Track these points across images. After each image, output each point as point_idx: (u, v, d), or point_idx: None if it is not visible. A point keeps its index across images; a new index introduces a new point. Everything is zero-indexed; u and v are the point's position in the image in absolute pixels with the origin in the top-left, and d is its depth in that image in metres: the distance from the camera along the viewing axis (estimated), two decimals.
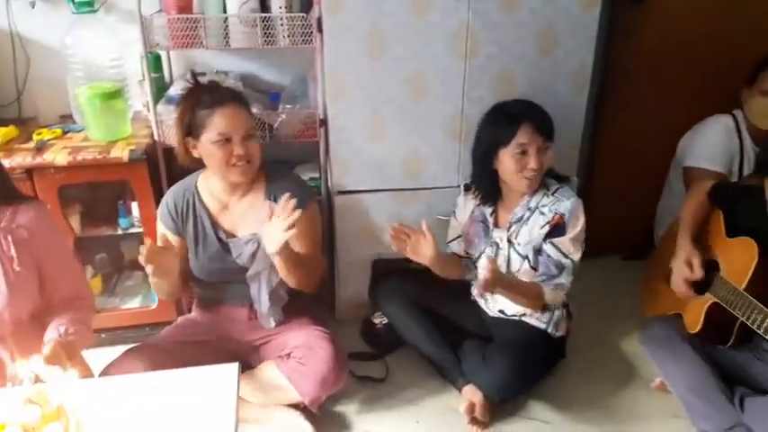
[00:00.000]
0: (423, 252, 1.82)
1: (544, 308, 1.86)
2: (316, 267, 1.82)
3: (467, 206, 1.99)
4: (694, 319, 1.78)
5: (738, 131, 2.28)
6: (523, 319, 1.93)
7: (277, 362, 1.80)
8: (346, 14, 1.88)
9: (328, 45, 1.92)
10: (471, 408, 1.83)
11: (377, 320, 2.16)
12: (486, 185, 1.89)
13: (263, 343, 1.90)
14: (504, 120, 1.78)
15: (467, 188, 1.99)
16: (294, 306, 1.88)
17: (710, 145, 2.27)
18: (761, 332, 1.55)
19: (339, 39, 1.91)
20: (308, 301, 1.90)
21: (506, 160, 1.78)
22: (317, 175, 2.19)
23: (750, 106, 2.23)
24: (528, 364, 1.84)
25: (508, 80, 2.02)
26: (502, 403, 1.86)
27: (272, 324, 1.85)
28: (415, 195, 2.15)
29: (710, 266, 1.82)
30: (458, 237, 2.03)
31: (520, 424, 1.87)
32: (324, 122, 2.04)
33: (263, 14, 1.91)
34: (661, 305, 1.99)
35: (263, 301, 1.81)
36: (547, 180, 1.86)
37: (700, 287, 1.80)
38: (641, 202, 2.59)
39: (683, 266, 1.79)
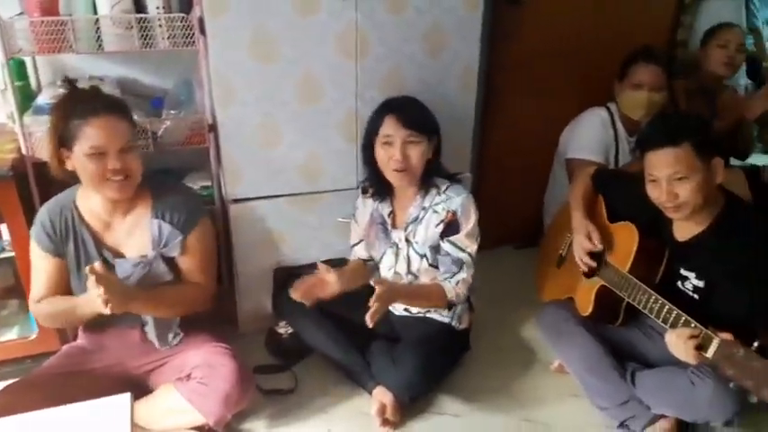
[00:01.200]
0: (329, 291, 1.82)
1: (450, 305, 1.90)
2: (192, 294, 1.74)
3: (366, 208, 1.99)
4: (585, 302, 1.89)
5: (613, 123, 2.45)
6: (428, 315, 1.95)
7: (176, 384, 1.70)
8: (230, 15, 1.80)
9: (213, 47, 1.83)
10: (382, 409, 1.83)
11: (282, 330, 2.10)
12: (374, 180, 1.92)
13: (160, 365, 1.79)
14: (377, 111, 1.84)
15: (364, 190, 1.99)
16: (191, 323, 1.78)
17: (588, 137, 2.41)
18: (645, 311, 1.67)
19: (224, 40, 1.83)
20: (206, 316, 1.81)
21: (378, 151, 1.84)
22: (208, 183, 2.09)
23: (622, 99, 2.40)
24: (435, 361, 1.87)
25: (398, 81, 2.04)
26: (412, 402, 1.88)
27: (168, 344, 1.75)
28: (314, 199, 2.11)
29: (597, 252, 1.93)
30: (360, 240, 2.02)
31: (431, 420, 1.89)
32: (213, 128, 1.95)
33: (139, 15, 1.79)
34: (554, 290, 2.09)
35: (151, 323, 1.70)
36: (437, 180, 1.89)
37: (590, 272, 1.91)
38: (530, 193, 2.72)
39: (584, 240, 1.87)
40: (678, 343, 1.50)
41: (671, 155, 1.60)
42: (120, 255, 1.69)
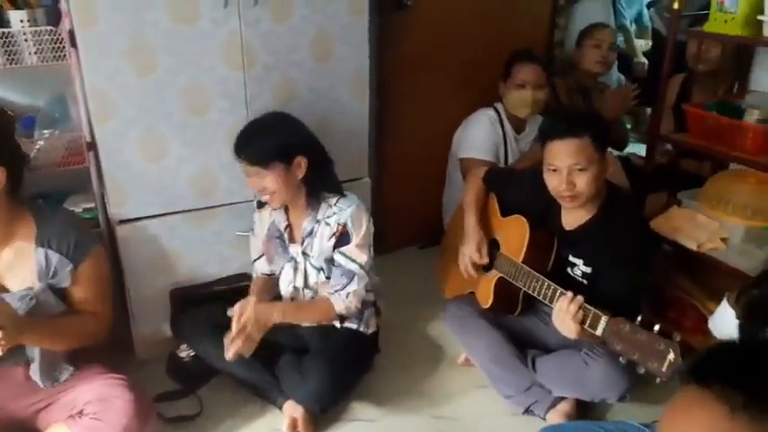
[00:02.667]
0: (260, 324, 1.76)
1: (341, 318, 1.89)
2: (89, 325, 1.64)
3: (263, 222, 1.95)
4: (485, 296, 1.94)
5: (501, 122, 2.55)
6: (335, 323, 1.94)
7: (68, 423, 1.57)
8: (103, 26, 1.71)
9: (86, 60, 1.73)
10: (293, 424, 1.79)
11: (183, 354, 2.00)
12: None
13: (49, 404, 1.64)
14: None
15: (259, 204, 1.94)
16: (82, 356, 1.66)
17: (478, 137, 2.50)
18: (540, 298, 1.74)
19: (98, 53, 1.73)
20: (99, 346, 1.69)
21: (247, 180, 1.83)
22: (91, 204, 1.96)
23: (507, 98, 2.51)
24: (344, 369, 1.85)
25: (289, 89, 2.02)
26: (323, 413, 1.85)
27: (56, 381, 1.62)
28: (210, 214, 2.04)
29: (493, 245, 2.00)
30: (261, 255, 1.98)
31: (344, 428, 1.87)
32: (92, 146, 1.84)
33: (1, 30, 1.66)
34: (457, 286, 2.14)
35: (38, 359, 1.57)
36: (326, 194, 1.86)
37: (487, 266, 1.97)
38: (430, 193, 2.77)
39: (474, 252, 1.93)
40: (565, 319, 1.56)
41: (573, 145, 1.67)
42: (3, 289, 1.54)
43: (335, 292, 1.84)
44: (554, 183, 1.73)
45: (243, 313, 1.70)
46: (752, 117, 1.82)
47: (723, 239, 1.94)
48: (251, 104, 1.97)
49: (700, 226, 1.99)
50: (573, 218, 1.82)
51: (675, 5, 1.92)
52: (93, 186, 1.91)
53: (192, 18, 1.80)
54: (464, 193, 2.11)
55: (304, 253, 1.89)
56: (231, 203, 2.05)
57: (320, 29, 2.00)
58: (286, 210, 1.91)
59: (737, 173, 2.00)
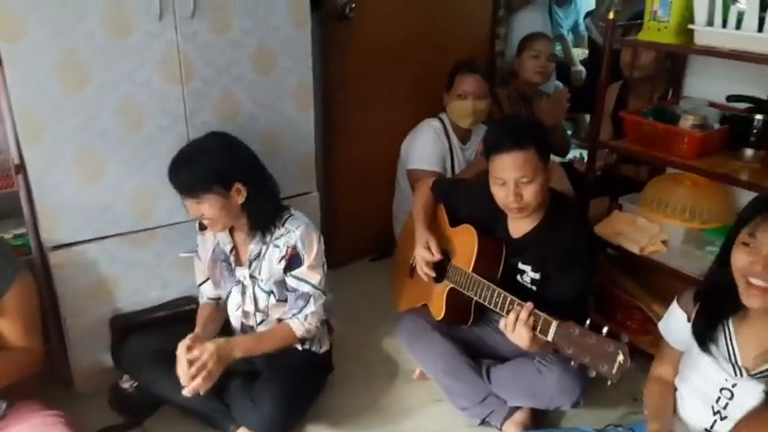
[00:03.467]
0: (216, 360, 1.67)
1: (302, 341, 1.84)
2: (18, 359, 1.55)
3: (206, 245, 1.88)
4: (438, 307, 1.93)
5: (446, 132, 2.57)
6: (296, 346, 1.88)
7: None
8: (30, 40, 1.61)
9: (12, 77, 1.64)
10: None
11: (126, 384, 1.90)
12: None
13: None
14: None
15: (201, 226, 1.87)
16: (17, 390, 1.55)
17: (425, 148, 2.51)
18: (491, 307, 1.74)
19: (25, 69, 1.64)
20: (34, 381, 1.59)
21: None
22: (22, 230, 1.84)
23: (451, 109, 2.53)
24: (297, 392, 1.80)
25: (231, 103, 1.96)
26: None
27: None
28: (151, 235, 1.95)
29: (443, 256, 1.99)
30: (207, 278, 1.90)
31: None
32: (21, 168, 1.74)
33: None
34: (409, 299, 2.12)
35: None
36: (271, 217, 1.80)
37: (439, 277, 1.97)
38: (381, 204, 2.76)
39: (424, 251, 1.90)
40: (517, 326, 1.55)
41: (519, 158, 1.68)
42: None
43: (293, 316, 1.79)
44: (501, 195, 1.74)
45: (203, 353, 1.62)
46: (686, 122, 1.89)
47: (664, 242, 2.00)
48: (191, 119, 1.91)
49: (641, 229, 2.04)
50: (520, 226, 1.84)
51: (611, 15, 1.98)
52: (24, 211, 1.79)
53: (125, 31, 1.73)
54: (413, 202, 2.11)
55: (252, 276, 1.83)
56: (173, 224, 1.97)
57: (261, 41, 1.96)
58: (231, 231, 1.85)
59: (674, 176, 2.06)
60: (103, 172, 1.82)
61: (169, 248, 1.98)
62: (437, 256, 1.89)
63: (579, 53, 3.89)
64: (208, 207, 1.69)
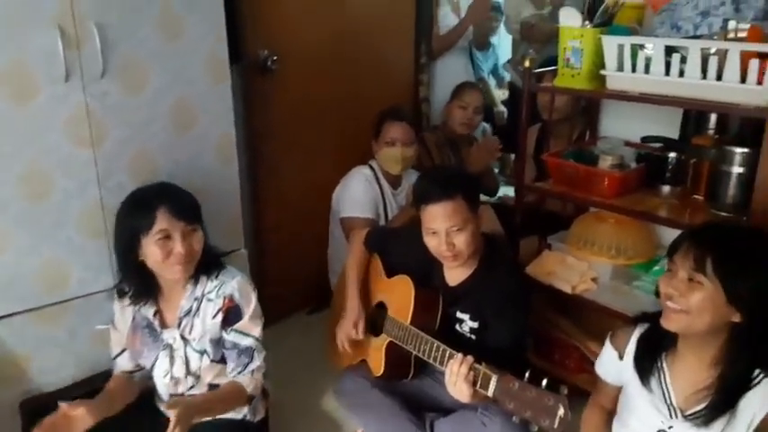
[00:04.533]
0: (80, 427, 1.53)
1: (250, 400, 1.73)
2: None
3: (125, 314, 1.74)
4: (377, 363, 1.88)
5: (377, 179, 2.56)
6: (218, 416, 1.76)
7: None
8: None
9: None
10: None
11: None
12: (138, 282, 1.68)
13: None
14: (141, 207, 1.61)
15: (120, 293, 1.74)
16: None
17: (357, 195, 2.49)
18: (431, 361, 1.70)
19: None
20: None
21: (150, 249, 1.60)
22: None
23: (380, 156, 2.53)
24: None
25: (148, 162, 1.87)
26: None
27: None
28: (63, 309, 1.80)
29: (380, 308, 1.95)
30: (124, 350, 1.77)
31: None
32: None
33: None
34: (347, 355, 2.05)
35: None
36: (209, 267, 1.72)
37: (376, 330, 1.91)
38: (313, 254, 2.70)
39: (351, 329, 1.90)
40: (457, 382, 1.53)
41: (448, 208, 1.69)
42: None
43: (239, 374, 1.68)
44: (434, 244, 1.75)
45: (176, 406, 1.47)
46: (605, 163, 1.95)
47: (594, 279, 2.04)
48: (104, 182, 1.80)
49: (571, 268, 2.08)
50: (456, 274, 1.83)
51: (527, 63, 2.04)
52: None
53: (29, 95, 1.62)
54: (347, 258, 2.07)
55: (182, 337, 1.71)
56: (87, 294, 1.83)
57: (179, 98, 1.89)
58: (156, 294, 1.73)
59: (598, 215, 2.12)
60: (6, 246, 1.68)
61: (84, 322, 1.83)
62: (360, 337, 1.89)
63: (500, 94, 4.02)
64: (198, 239, 1.63)
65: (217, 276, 1.71)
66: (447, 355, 1.63)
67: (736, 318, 1.28)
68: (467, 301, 1.80)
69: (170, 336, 1.71)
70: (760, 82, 1.54)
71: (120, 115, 1.79)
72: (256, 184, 2.54)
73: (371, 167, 2.57)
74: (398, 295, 1.88)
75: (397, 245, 2.00)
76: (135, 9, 1.75)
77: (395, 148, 2.46)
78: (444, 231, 1.70)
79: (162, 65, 1.83)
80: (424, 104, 3.05)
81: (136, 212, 1.61)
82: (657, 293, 1.38)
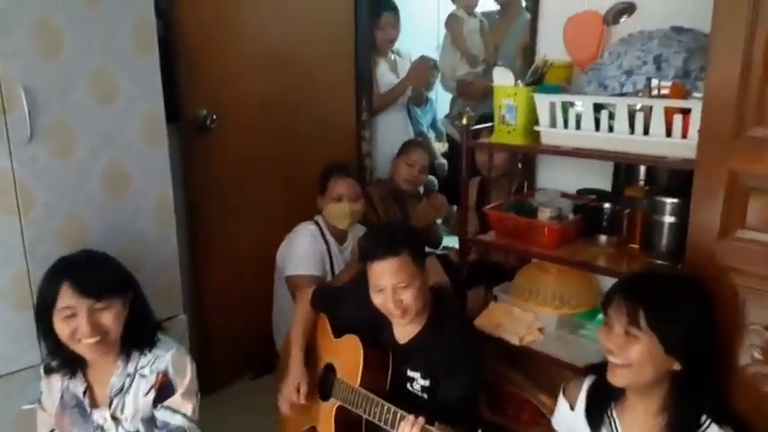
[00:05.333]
0: None
1: None
2: None
3: (53, 392, 1.62)
4: (327, 429, 1.81)
5: (323, 234, 2.53)
6: None
7: None
8: None
9: None
10: None
11: None
12: (58, 355, 1.58)
13: None
14: (48, 281, 1.53)
15: (48, 370, 1.62)
16: None
17: (302, 252, 2.44)
18: (381, 423, 1.65)
19: None
20: None
21: (58, 326, 1.51)
22: None
23: (326, 212, 2.51)
24: None
25: (78, 229, 1.78)
26: None
27: None
28: None
29: (329, 370, 1.89)
30: (52, 431, 1.63)
31: None
32: None
33: None
34: (296, 423, 1.97)
35: None
36: (142, 341, 1.64)
37: (325, 394, 1.85)
38: (256, 317, 2.61)
39: (293, 393, 1.85)
40: None
41: (394, 264, 1.68)
42: None
43: None
44: (380, 301, 1.73)
45: None
46: (544, 215, 2.00)
47: (540, 330, 2.05)
48: (31, 251, 1.70)
49: (517, 319, 2.09)
50: (405, 331, 1.81)
51: (464, 121, 2.09)
52: None
53: None
54: (292, 319, 2.01)
55: (114, 417, 1.59)
56: (11, 373, 1.70)
57: (113, 161, 1.83)
58: (84, 369, 1.62)
59: (540, 265, 2.15)
60: None
61: (7, 402, 1.69)
62: (302, 402, 1.85)
63: (440, 147, 4.10)
64: (112, 316, 1.52)
65: (150, 350, 1.62)
66: (398, 416, 1.59)
67: (677, 366, 1.31)
68: (417, 358, 1.77)
69: (100, 416, 1.59)
70: (684, 135, 1.62)
71: (49, 180, 1.71)
72: (196, 244, 2.46)
73: (317, 223, 2.54)
74: (347, 356, 1.83)
75: (344, 303, 1.95)
76: (67, 72, 1.70)
77: (342, 204, 2.45)
78: (391, 288, 1.69)
79: (94, 127, 1.77)
80: (367, 159, 3.08)
81: (45, 286, 1.54)
82: None
